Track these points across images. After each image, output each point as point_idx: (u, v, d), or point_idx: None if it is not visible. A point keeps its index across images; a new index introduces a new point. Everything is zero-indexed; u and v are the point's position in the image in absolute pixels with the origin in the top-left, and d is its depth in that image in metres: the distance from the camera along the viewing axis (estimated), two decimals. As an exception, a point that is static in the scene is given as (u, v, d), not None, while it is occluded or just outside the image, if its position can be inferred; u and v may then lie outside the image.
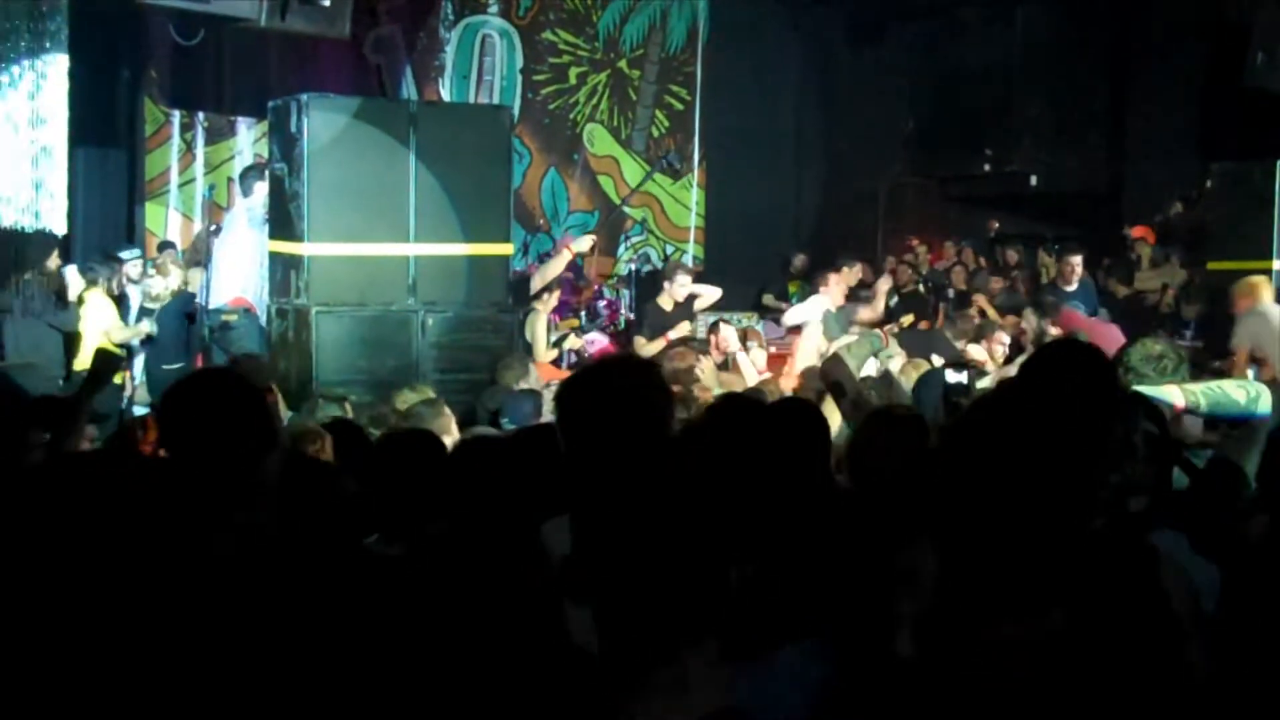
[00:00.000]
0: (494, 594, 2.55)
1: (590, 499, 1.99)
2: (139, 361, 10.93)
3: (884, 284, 11.68)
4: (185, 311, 10.59)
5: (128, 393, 10.54)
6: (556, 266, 10.79)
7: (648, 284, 14.91)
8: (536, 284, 10.57)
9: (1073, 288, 11.06)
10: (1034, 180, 15.13)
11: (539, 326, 10.34)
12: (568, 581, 1.96)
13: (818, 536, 3.05)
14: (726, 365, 9.55)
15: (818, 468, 3.46)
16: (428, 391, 6.85)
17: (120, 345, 10.19)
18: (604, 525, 1.95)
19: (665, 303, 10.69)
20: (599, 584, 1.92)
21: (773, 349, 11.23)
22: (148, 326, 10.59)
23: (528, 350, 10.11)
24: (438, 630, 2.52)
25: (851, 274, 12.28)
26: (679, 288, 10.64)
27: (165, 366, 10.21)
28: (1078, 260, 11.30)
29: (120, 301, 10.49)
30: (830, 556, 2.92)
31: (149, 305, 10.71)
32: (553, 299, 10.81)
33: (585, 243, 11.13)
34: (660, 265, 15.80)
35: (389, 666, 2.47)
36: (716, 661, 1.97)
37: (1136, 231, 13.47)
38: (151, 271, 11.04)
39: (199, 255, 11.68)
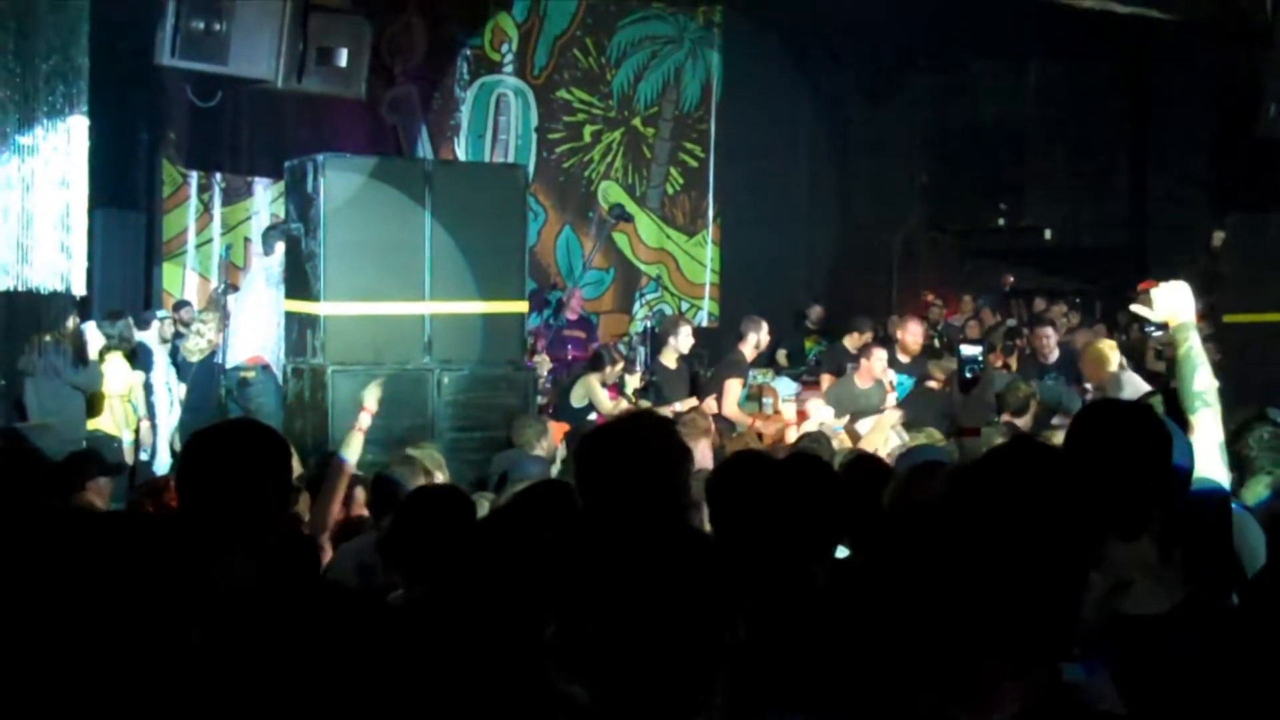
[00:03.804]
0: (480, 661, 2.51)
1: (602, 561, 1.96)
2: (164, 417, 10.98)
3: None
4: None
5: (145, 443, 10.61)
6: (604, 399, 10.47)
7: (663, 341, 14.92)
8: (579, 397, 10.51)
9: (1053, 359, 10.44)
10: (1048, 234, 15.15)
11: (597, 390, 10.29)
12: (557, 656, 1.91)
13: (821, 604, 3.01)
14: None
15: (826, 528, 3.42)
16: (432, 450, 6.83)
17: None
18: (605, 592, 1.91)
19: (669, 360, 10.69)
20: (592, 657, 1.87)
21: (787, 404, 11.21)
22: (166, 396, 10.70)
23: (568, 410, 10.15)
24: (421, 692, 2.49)
25: (863, 338, 12.31)
26: (684, 340, 10.65)
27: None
28: (1048, 331, 10.73)
29: (134, 357, 10.56)
30: (832, 627, 2.88)
31: (191, 360, 10.74)
32: (616, 371, 10.76)
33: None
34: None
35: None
36: None
37: (1144, 287, 13.42)
38: (198, 328, 11.04)
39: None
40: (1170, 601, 2.52)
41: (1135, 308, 3.93)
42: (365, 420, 6.32)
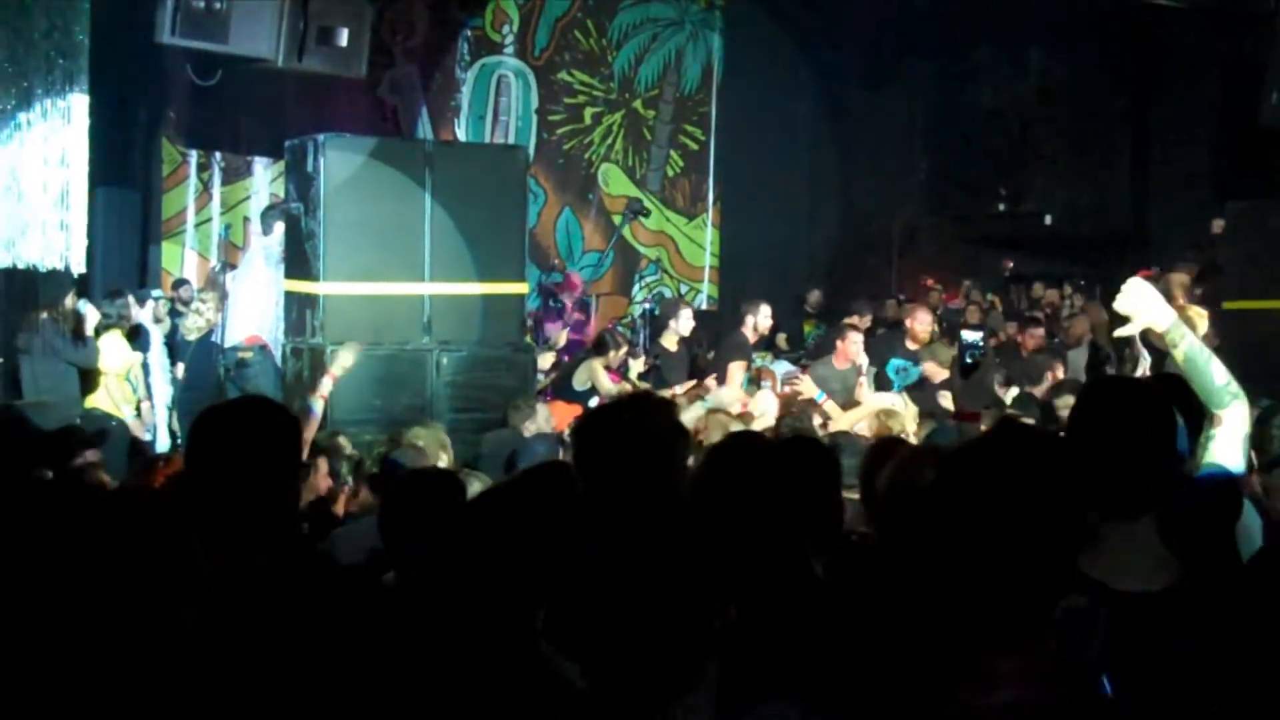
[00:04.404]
0: (472, 642, 2.52)
1: (601, 543, 1.97)
2: (160, 396, 11.01)
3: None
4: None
5: (147, 422, 10.64)
6: (545, 361, 10.89)
7: (662, 324, 14.93)
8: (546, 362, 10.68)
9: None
10: (1048, 220, 15.13)
11: (600, 374, 10.33)
12: (553, 634, 1.92)
13: (815, 588, 3.01)
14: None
15: (821, 511, 3.41)
16: (439, 430, 6.83)
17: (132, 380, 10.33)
18: (600, 572, 1.92)
19: (670, 342, 10.68)
20: (586, 636, 1.89)
21: (786, 389, 11.22)
22: (163, 375, 10.73)
23: (570, 393, 10.19)
24: (413, 674, 2.50)
25: (864, 320, 12.36)
26: (685, 323, 10.65)
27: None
28: (1040, 333, 10.69)
29: (136, 336, 10.58)
30: (826, 612, 2.88)
31: (189, 339, 10.80)
32: (619, 355, 10.83)
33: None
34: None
35: (363, 699, 2.46)
36: (705, 710, 1.94)
37: (1142, 275, 13.41)
38: (197, 307, 11.08)
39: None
40: (1166, 580, 2.53)
41: (1119, 333, 3.79)
42: (327, 386, 6.38)
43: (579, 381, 10.35)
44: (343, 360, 6.69)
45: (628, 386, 10.32)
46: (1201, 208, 13.44)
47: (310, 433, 5.90)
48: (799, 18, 15.80)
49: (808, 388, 9.17)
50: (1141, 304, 3.45)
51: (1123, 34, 14.46)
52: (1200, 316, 9.18)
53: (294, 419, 3.06)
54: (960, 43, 15.47)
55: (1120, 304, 3.51)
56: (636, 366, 11.01)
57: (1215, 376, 3.30)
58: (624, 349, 10.92)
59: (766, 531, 3.15)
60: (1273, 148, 11.36)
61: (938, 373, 9.75)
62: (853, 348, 9.90)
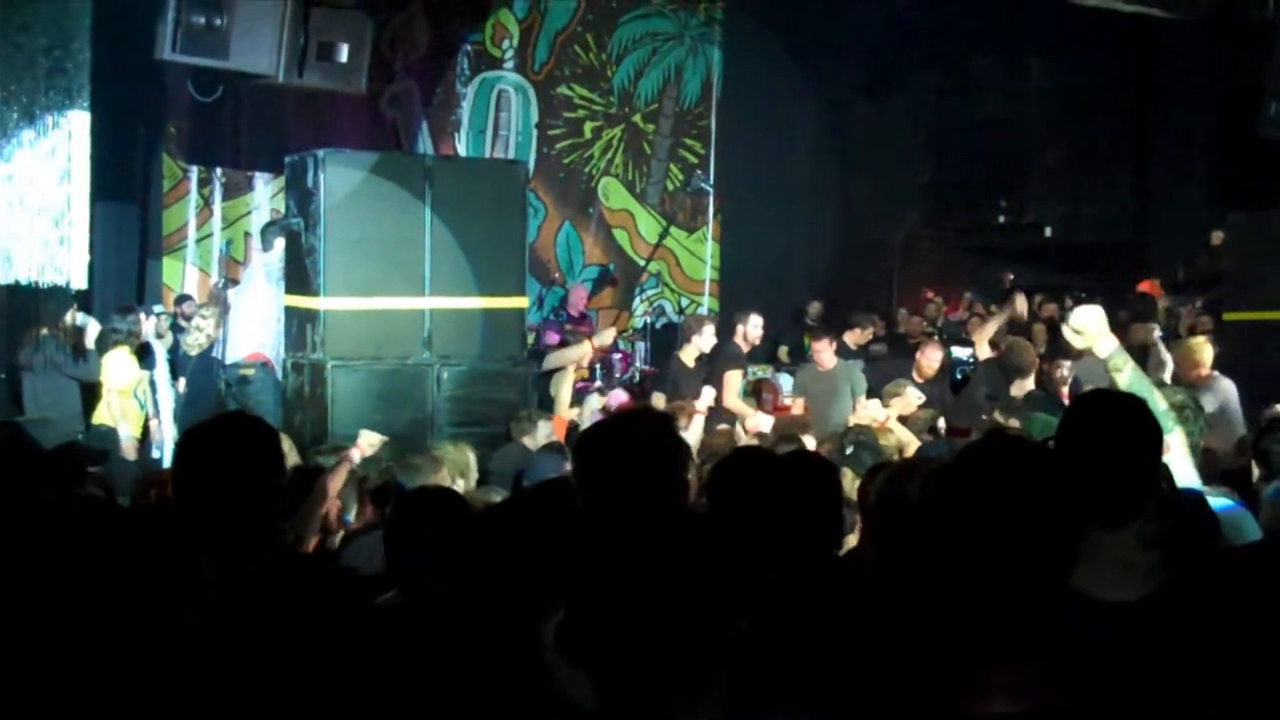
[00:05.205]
0: (478, 653, 2.53)
1: (601, 553, 1.97)
2: (166, 411, 11.01)
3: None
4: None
5: (155, 439, 10.64)
6: (575, 354, 10.77)
7: (662, 337, 14.93)
8: (552, 363, 10.57)
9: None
10: (1049, 231, 15.15)
11: (564, 384, 10.27)
12: (562, 643, 1.93)
13: (822, 599, 3.02)
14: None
15: (826, 525, 3.43)
16: (467, 451, 6.78)
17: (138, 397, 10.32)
18: (608, 582, 1.93)
19: (689, 358, 10.59)
20: (595, 645, 1.89)
21: (787, 401, 11.21)
22: (169, 392, 10.71)
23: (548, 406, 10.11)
24: (418, 684, 2.50)
25: (864, 334, 12.35)
26: (707, 339, 10.56)
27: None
28: (1065, 364, 9.81)
29: (144, 354, 10.58)
30: (833, 622, 2.89)
31: (190, 354, 10.80)
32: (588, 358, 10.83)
33: (609, 336, 11.14)
34: (675, 318, 15.85)
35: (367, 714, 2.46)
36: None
37: (1143, 286, 13.43)
38: (198, 323, 11.08)
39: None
40: (1144, 590, 2.54)
41: (1067, 329, 3.90)
42: (356, 456, 6.36)
43: (554, 392, 10.28)
44: (371, 440, 6.66)
45: (579, 409, 10.22)
46: (1202, 219, 13.45)
47: (334, 487, 5.86)
48: (799, 30, 15.81)
49: (876, 411, 9.15)
50: (1091, 326, 3.59)
51: (1123, 45, 14.47)
52: (1202, 347, 9.04)
53: (272, 430, 3.10)
54: (960, 54, 15.50)
55: (1074, 320, 3.63)
56: (592, 403, 10.66)
57: (1156, 403, 3.38)
58: (586, 344, 10.92)
59: (772, 543, 3.16)
60: (1272, 158, 11.36)
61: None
62: (820, 353, 10.13)
